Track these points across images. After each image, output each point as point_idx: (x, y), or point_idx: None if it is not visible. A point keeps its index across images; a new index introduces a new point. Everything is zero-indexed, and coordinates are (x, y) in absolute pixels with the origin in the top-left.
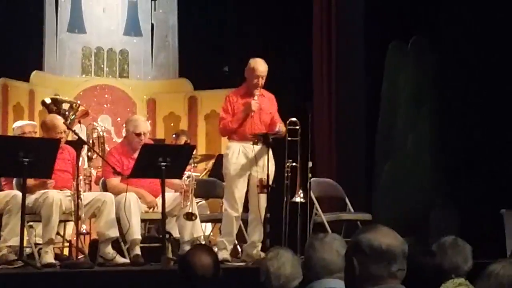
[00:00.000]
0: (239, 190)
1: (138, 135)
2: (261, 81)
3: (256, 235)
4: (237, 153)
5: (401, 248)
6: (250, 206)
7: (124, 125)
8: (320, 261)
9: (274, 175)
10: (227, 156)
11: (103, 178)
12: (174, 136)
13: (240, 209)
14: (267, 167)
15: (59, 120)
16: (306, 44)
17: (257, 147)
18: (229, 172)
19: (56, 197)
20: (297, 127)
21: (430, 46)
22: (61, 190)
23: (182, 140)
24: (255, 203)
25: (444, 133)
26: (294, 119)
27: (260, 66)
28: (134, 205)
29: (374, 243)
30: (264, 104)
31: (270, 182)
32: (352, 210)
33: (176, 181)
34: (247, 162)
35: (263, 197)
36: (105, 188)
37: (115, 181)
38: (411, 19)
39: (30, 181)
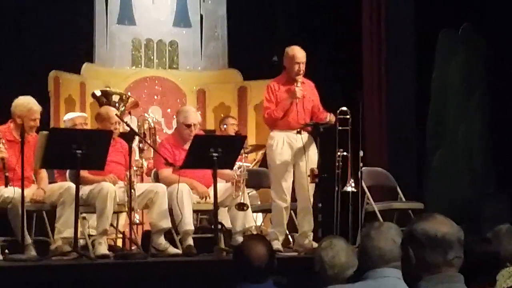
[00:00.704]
0: (286, 180)
1: (188, 126)
2: (302, 67)
3: (306, 224)
4: (282, 143)
5: (457, 235)
6: (298, 196)
7: (174, 116)
8: (376, 250)
9: (319, 164)
10: (271, 147)
11: (155, 169)
12: (225, 126)
13: (289, 199)
14: (317, 156)
15: (113, 111)
16: (356, 33)
17: (301, 136)
18: (274, 162)
19: (111, 189)
20: (348, 116)
21: (481, 33)
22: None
23: (229, 124)
24: (302, 192)
25: (495, 120)
26: (344, 108)
27: (298, 52)
28: (186, 196)
29: (430, 232)
30: (306, 91)
31: (317, 172)
32: (403, 199)
33: (228, 171)
34: (292, 152)
35: (310, 186)
36: (157, 179)
37: (167, 172)
38: (461, 6)
39: (89, 176)
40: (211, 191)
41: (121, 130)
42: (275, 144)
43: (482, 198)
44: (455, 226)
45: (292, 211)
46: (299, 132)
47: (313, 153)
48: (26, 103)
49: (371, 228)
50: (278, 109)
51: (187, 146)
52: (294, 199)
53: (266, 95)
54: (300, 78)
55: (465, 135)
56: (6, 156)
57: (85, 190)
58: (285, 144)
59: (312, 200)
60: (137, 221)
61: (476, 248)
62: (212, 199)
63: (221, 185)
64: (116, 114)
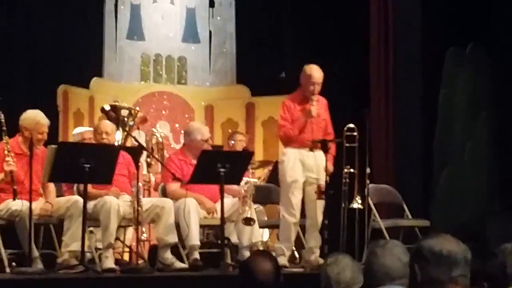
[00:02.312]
0: (296, 196)
1: (206, 141)
2: (318, 88)
3: (313, 240)
4: (294, 159)
5: (463, 254)
6: (307, 212)
7: (182, 131)
8: (381, 268)
9: (330, 181)
10: (283, 163)
11: (162, 184)
12: (232, 142)
13: (298, 215)
14: (324, 173)
15: (104, 123)
16: (363, 51)
17: (313, 154)
18: (285, 178)
19: (114, 203)
20: (355, 134)
21: (488, 53)
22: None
23: (237, 140)
24: (312, 209)
25: (502, 139)
26: (351, 125)
27: (316, 72)
28: (193, 210)
29: (435, 248)
30: (320, 109)
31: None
32: (410, 216)
33: (235, 187)
34: (303, 169)
35: (319, 203)
36: (164, 194)
37: (174, 186)
38: (468, 26)
39: (92, 191)
40: (218, 206)
41: (128, 145)
42: (287, 160)
43: (487, 216)
44: (462, 245)
45: (299, 227)
46: (311, 150)
47: (324, 170)
48: (33, 117)
49: (376, 245)
50: (294, 127)
51: (194, 161)
52: (303, 215)
53: (282, 113)
54: (315, 97)
55: (471, 154)
56: (14, 169)
57: (90, 204)
58: (297, 160)
59: (321, 217)
60: (144, 238)
61: (483, 262)
62: (219, 214)
63: (228, 200)
64: (125, 129)
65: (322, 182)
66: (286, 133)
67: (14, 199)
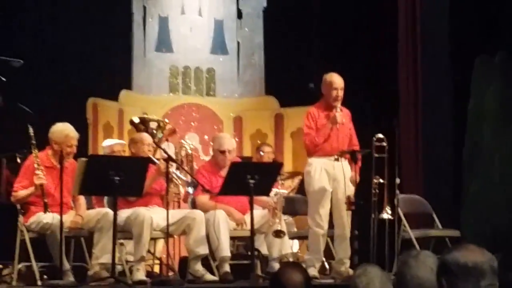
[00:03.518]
0: (324, 207)
1: (223, 152)
2: (340, 93)
3: (342, 251)
4: (320, 169)
5: (489, 264)
6: (335, 222)
7: (211, 143)
8: (414, 279)
9: (356, 191)
10: (309, 174)
11: (192, 196)
12: (261, 153)
13: (326, 226)
14: (350, 183)
15: (146, 135)
16: (392, 61)
17: (338, 163)
18: (312, 189)
19: (147, 215)
20: (384, 144)
21: None
22: (150, 207)
23: (266, 151)
24: (339, 219)
25: None
26: (381, 135)
27: (336, 79)
28: (223, 222)
29: (460, 261)
30: (344, 118)
31: (354, 199)
32: (440, 226)
33: (264, 198)
34: (329, 179)
35: (348, 213)
36: (194, 206)
37: (204, 198)
38: (497, 33)
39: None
40: (247, 217)
41: (158, 157)
42: (313, 171)
43: None
44: (487, 254)
45: (328, 238)
46: (337, 159)
47: (345, 180)
48: (63, 130)
49: (409, 256)
50: (319, 135)
51: (223, 173)
52: (332, 225)
53: (306, 122)
54: (339, 104)
55: (501, 163)
56: (44, 182)
57: (122, 216)
58: (322, 170)
59: (349, 227)
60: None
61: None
62: (248, 226)
63: (258, 211)
64: (153, 141)
65: (350, 192)
66: (311, 140)
67: (45, 212)
